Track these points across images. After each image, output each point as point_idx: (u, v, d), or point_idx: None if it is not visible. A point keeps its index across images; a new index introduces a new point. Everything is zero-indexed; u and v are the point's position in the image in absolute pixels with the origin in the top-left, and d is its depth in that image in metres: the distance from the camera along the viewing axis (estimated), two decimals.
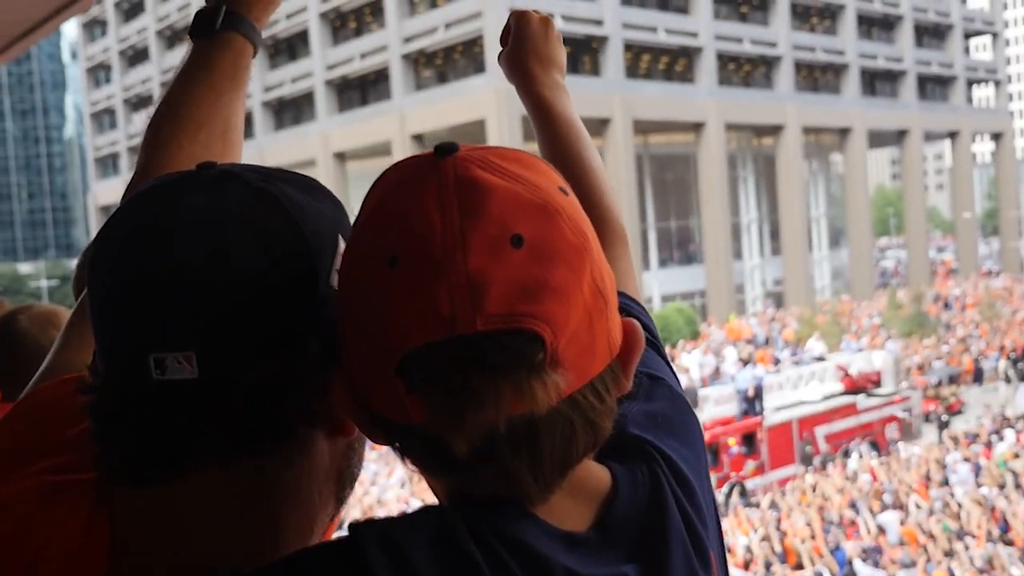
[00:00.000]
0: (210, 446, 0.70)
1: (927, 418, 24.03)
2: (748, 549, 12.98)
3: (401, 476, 20.06)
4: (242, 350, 0.69)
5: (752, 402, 19.91)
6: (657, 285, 44.51)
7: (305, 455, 0.74)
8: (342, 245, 0.74)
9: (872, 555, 12.16)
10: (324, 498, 0.78)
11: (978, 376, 29.83)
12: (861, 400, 21.64)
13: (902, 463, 17.84)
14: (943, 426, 22.68)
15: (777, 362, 23.37)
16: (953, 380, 27.90)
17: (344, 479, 0.81)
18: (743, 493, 17.56)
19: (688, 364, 22.31)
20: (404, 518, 0.67)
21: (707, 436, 18.65)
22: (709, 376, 21.92)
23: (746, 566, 12.55)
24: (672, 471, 0.76)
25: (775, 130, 46.97)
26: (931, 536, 12.60)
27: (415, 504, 18.09)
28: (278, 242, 0.71)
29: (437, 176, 0.64)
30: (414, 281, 0.62)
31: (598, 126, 39.49)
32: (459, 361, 0.61)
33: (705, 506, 0.79)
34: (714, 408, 19.72)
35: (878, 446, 20.79)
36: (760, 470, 18.67)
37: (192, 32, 1.11)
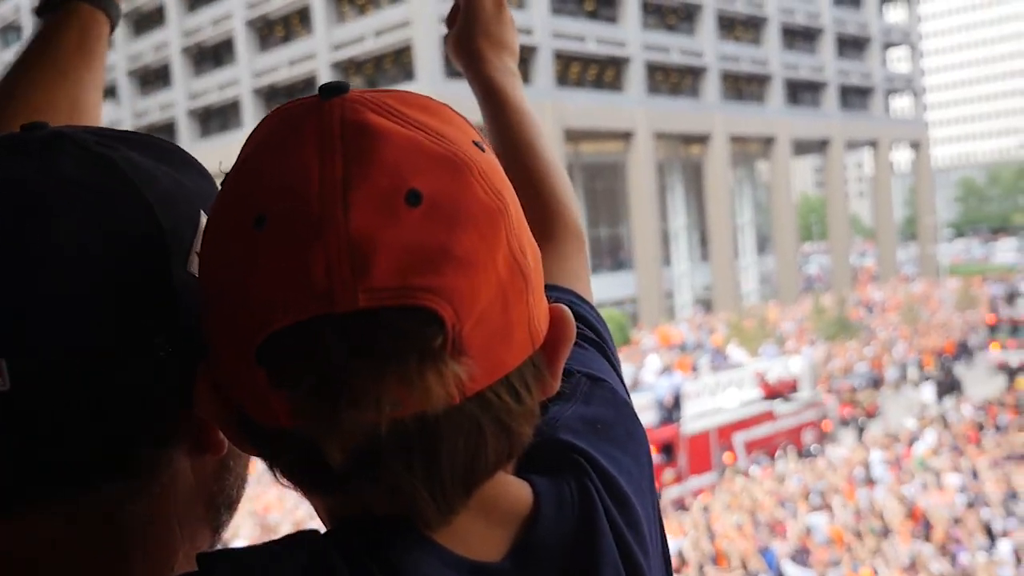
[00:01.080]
0: (30, 477, 0.57)
1: (844, 423, 24.44)
2: (680, 554, 13.10)
3: None
4: (67, 356, 0.56)
5: (670, 410, 19.68)
6: None
7: (157, 480, 0.61)
8: (204, 221, 0.61)
9: (800, 556, 12.36)
10: (189, 528, 0.65)
11: (895, 383, 30.44)
12: (778, 406, 21.71)
13: (827, 465, 18.19)
14: (861, 431, 23.08)
15: (695, 369, 23.40)
16: (874, 384, 28.47)
17: (218, 503, 0.68)
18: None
19: None
20: (266, 548, 0.55)
21: None
22: (628, 385, 21.93)
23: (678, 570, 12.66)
24: (607, 485, 0.65)
25: (702, 139, 47.77)
26: (858, 536, 12.87)
27: None
28: (116, 219, 0.59)
29: (319, 119, 0.53)
30: (283, 245, 0.50)
31: None
32: (333, 345, 0.49)
33: (647, 527, 0.68)
34: None
35: (797, 452, 20.92)
36: (678, 479, 18.52)
37: (37, 9, 0.98)
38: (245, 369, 0.51)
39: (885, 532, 12.99)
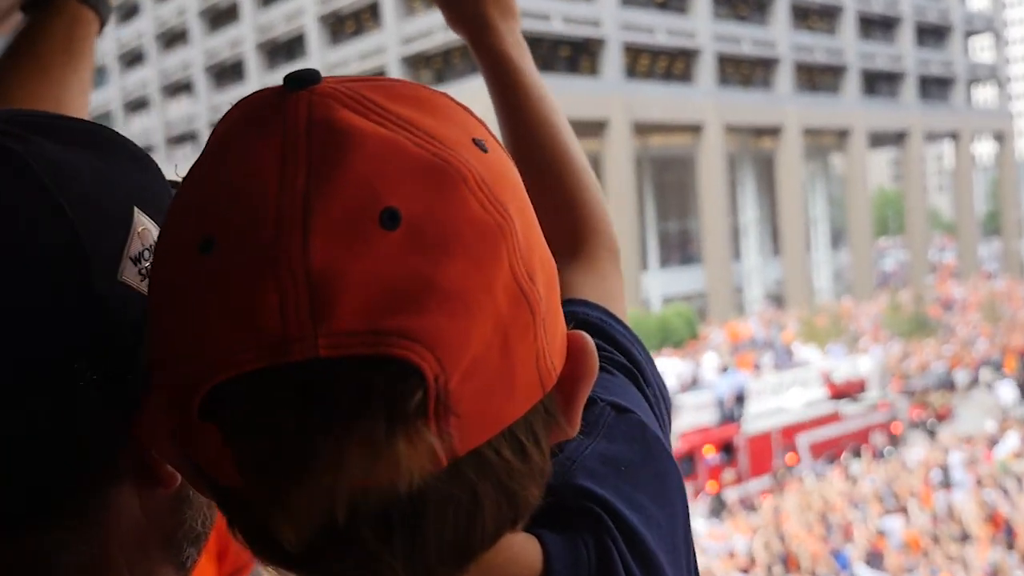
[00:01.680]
0: None
1: (914, 425, 23.48)
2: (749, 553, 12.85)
3: None
4: None
5: (731, 409, 19.10)
6: (657, 287, 44.38)
7: (93, 523, 0.52)
8: (141, 220, 0.53)
9: (874, 559, 12.02)
10: (143, 568, 0.56)
11: (968, 384, 29.44)
12: (845, 407, 21.04)
13: (902, 466, 17.67)
14: (932, 434, 22.19)
15: (757, 367, 22.70)
16: (948, 385, 27.44)
17: (178, 539, 0.58)
18: (720, 506, 16.85)
19: (664, 371, 21.50)
20: None
21: (683, 444, 17.75)
22: (686, 383, 21.06)
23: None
24: (631, 543, 0.55)
25: (774, 131, 46.88)
26: (935, 540, 12.46)
27: None
28: (13, 226, 0.49)
29: (283, 117, 0.44)
30: (231, 275, 0.41)
31: (596, 128, 39.36)
32: (284, 404, 0.40)
33: None
34: (692, 416, 18.75)
35: (862, 455, 20.17)
36: (738, 480, 18.04)
37: (24, 5, 0.92)
38: (190, 419, 0.43)
39: (964, 537, 12.54)
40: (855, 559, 12.00)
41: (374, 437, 0.40)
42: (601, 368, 0.51)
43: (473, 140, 0.46)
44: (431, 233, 0.41)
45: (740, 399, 19.27)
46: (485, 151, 0.46)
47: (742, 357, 25.49)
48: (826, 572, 11.95)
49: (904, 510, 14.13)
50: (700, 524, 15.16)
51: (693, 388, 20.25)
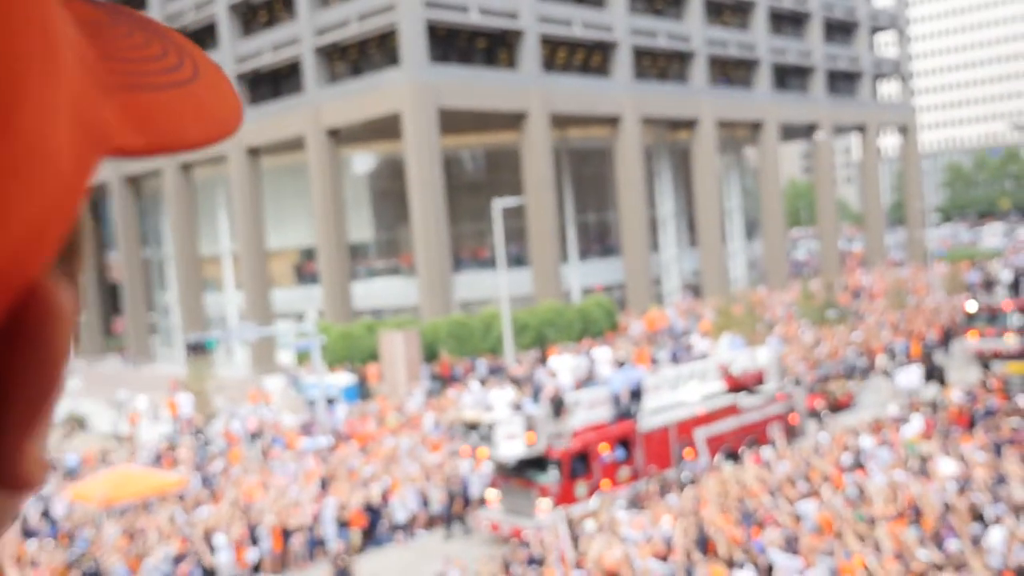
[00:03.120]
0: None
1: (813, 415, 23.40)
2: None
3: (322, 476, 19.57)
4: None
5: (628, 405, 18.47)
6: (577, 278, 44.65)
7: None
8: None
9: (791, 543, 12.22)
10: None
11: (865, 371, 30.19)
12: (742, 400, 20.78)
13: (814, 451, 18.05)
14: (826, 423, 22.04)
15: (655, 362, 21.99)
16: (851, 373, 27.59)
17: None
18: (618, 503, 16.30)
19: (558, 367, 20.32)
20: None
21: (577, 442, 17.40)
22: (583, 378, 20.13)
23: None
24: None
25: (690, 124, 47.57)
26: (846, 522, 12.74)
27: (330, 505, 17.68)
28: None
29: None
30: None
31: (516, 120, 39.33)
32: None
33: None
34: (586, 413, 18.09)
35: (760, 448, 19.84)
36: (635, 476, 17.77)
37: None
38: None
39: (874, 520, 12.86)
40: (771, 544, 12.19)
41: None
42: None
43: None
44: None
45: (636, 394, 18.61)
46: None
47: (639, 352, 25.06)
48: (742, 557, 12.11)
49: (817, 494, 14.44)
50: (620, 514, 15.25)
51: (588, 384, 19.71)
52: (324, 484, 19.34)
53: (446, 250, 37.57)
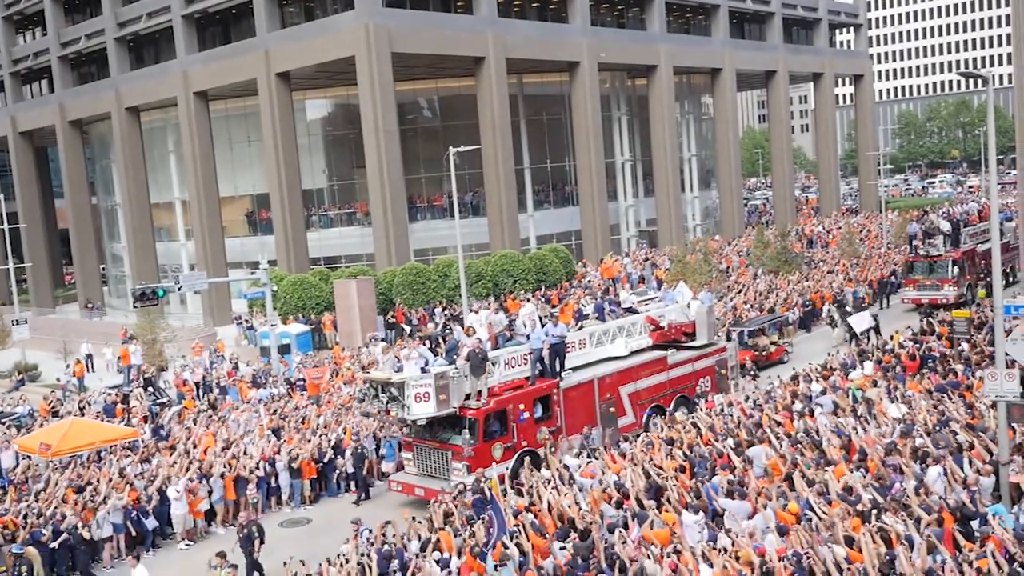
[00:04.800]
0: None
1: (744, 369, 22.90)
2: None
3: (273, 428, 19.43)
4: None
5: (550, 363, 17.52)
6: (533, 226, 44.50)
7: None
8: None
9: (738, 488, 12.38)
10: None
11: (804, 322, 30.50)
12: (672, 355, 19.88)
13: (766, 398, 18.25)
14: (755, 378, 21.90)
15: (582, 317, 20.78)
16: (779, 328, 27.33)
17: None
18: (535, 464, 15.47)
19: (475, 322, 18.93)
20: None
21: (494, 403, 15.46)
22: (500, 336, 18.26)
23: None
24: None
25: (648, 71, 47.23)
26: (795, 466, 12.93)
27: (282, 460, 17.57)
28: None
29: None
30: None
31: (472, 64, 38.70)
32: None
33: None
34: (505, 371, 17.25)
35: (690, 403, 19.52)
36: (557, 434, 16.97)
37: None
38: None
39: (822, 463, 13.06)
40: (720, 488, 12.35)
41: None
42: None
43: None
44: None
45: (558, 351, 17.60)
46: None
47: (564, 308, 24.06)
48: (694, 503, 12.26)
49: (767, 440, 14.63)
50: (571, 461, 15.33)
51: (509, 343, 18.54)
52: (276, 434, 19.20)
53: (401, 198, 37.16)
